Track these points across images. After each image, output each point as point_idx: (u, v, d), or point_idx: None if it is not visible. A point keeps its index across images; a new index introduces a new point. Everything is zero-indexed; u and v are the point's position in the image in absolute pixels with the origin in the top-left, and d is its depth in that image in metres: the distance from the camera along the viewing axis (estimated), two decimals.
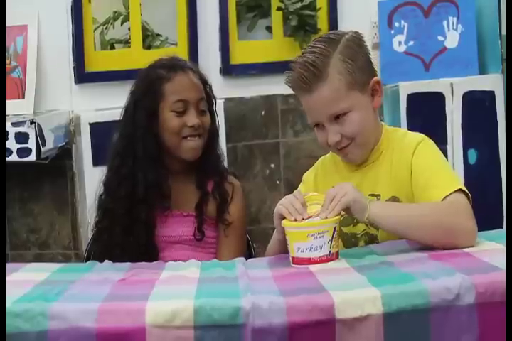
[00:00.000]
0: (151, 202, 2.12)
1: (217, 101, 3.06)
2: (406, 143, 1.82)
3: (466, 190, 1.72)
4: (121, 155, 2.15)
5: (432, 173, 1.76)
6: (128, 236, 2.11)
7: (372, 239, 1.82)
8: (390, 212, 1.67)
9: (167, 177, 2.14)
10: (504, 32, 3.07)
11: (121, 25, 3.26)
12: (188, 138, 2.13)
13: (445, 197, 1.69)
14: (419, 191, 1.75)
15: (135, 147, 2.13)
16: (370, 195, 1.83)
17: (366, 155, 1.85)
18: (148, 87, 2.14)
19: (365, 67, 1.80)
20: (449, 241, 1.63)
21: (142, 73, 2.20)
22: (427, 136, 1.87)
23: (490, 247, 1.65)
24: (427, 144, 1.82)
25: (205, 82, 2.21)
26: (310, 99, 1.78)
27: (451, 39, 3.18)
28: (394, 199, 1.80)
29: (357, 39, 1.81)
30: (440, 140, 1.88)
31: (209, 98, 2.21)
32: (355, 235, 1.85)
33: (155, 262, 1.95)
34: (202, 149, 2.15)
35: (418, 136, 1.84)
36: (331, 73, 1.74)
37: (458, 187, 1.71)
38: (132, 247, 2.08)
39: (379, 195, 1.82)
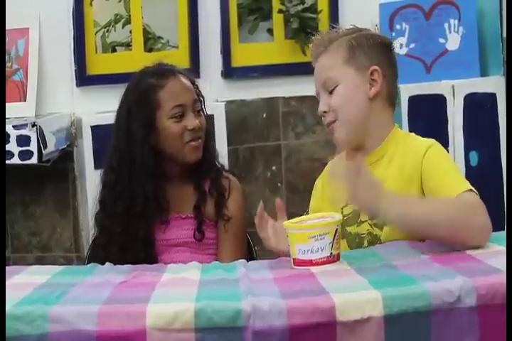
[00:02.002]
0: (149, 217, 2.11)
1: (219, 103, 3.09)
2: (416, 147, 1.85)
3: (475, 191, 1.74)
4: (115, 171, 2.12)
5: (443, 176, 1.78)
6: (125, 253, 2.09)
7: (375, 239, 1.83)
8: (402, 210, 1.64)
9: (165, 189, 2.13)
10: (505, 34, 3.07)
11: (123, 28, 3.26)
12: (191, 142, 2.12)
13: (457, 196, 1.71)
14: (431, 194, 1.77)
15: (131, 161, 2.10)
16: None
17: (352, 138, 1.87)
18: (141, 98, 2.11)
19: (372, 55, 1.86)
20: (463, 237, 1.63)
21: (131, 84, 2.17)
22: (428, 137, 1.89)
23: (491, 249, 1.65)
24: (438, 148, 1.84)
25: (193, 83, 2.20)
26: (315, 66, 1.91)
27: (453, 41, 3.18)
28: None
29: (380, 37, 1.91)
30: (441, 142, 1.88)
31: (198, 97, 2.21)
32: (359, 235, 1.86)
33: (156, 264, 1.95)
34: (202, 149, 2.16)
35: (429, 141, 1.86)
36: (334, 46, 1.88)
37: (468, 188, 1.73)
38: (130, 263, 2.05)
39: None
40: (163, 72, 2.16)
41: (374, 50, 1.87)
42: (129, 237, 2.10)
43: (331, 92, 1.86)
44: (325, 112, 1.87)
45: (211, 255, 2.16)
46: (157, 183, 2.11)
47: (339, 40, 1.88)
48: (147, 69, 2.19)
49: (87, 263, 2.22)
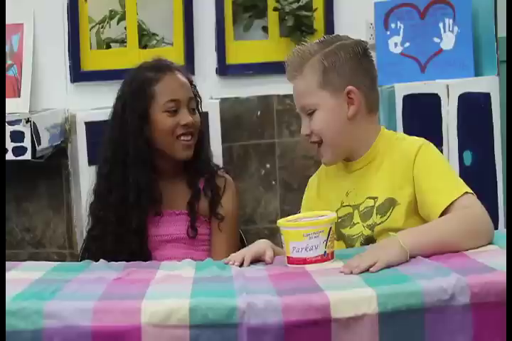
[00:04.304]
0: (143, 207, 2.11)
1: (213, 101, 3.09)
2: (406, 147, 1.84)
3: (471, 191, 1.74)
4: (110, 162, 2.14)
5: (436, 178, 1.77)
6: (120, 243, 2.10)
7: (368, 240, 1.83)
8: (422, 242, 1.64)
9: (158, 181, 2.14)
10: (500, 34, 3.08)
11: (118, 24, 3.25)
12: (182, 137, 2.13)
13: (453, 202, 1.71)
14: (424, 195, 1.77)
15: (125, 152, 2.12)
16: (367, 197, 1.85)
17: (340, 157, 1.89)
18: (137, 90, 2.13)
19: (346, 73, 1.83)
20: (476, 244, 1.65)
21: (129, 77, 2.19)
22: (422, 136, 1.89)
23: (485, 248, 1.66)
24: (429, 148, 1.84)
25: (190, 82, 2.22)
26: (293, 87, 1.90)
27: (447, 41, 3.18)
28: (390, 200, 1.81)
29: (352, 47, 1.86)
30: (436, 141, 1.88)
31: (195, 97, 2.22)
32: (351, 237, 1.86)
33: (150, 261, 1.95)
34: (193, 148, 2.16)
35: (419, 140, 1.86)
36: (306, 69, 1.85)
37: (464, 191, 1.73)
38: (124, 254, 2.06)
39: (376, 198, 1.84)
40: (160, 67, 2.18)
41: (347, 67, 1.84)
42: (122, 228, 2.11)
43: (310, 114, 1.85)
44: (307, 135, 1.87)
45: (205, 251, 2.17)
46: (150, 175, 2.12)
47: (311, 61, 1.84)
48: (145, 64, 2.21)
49: (82, 255, 2.23)
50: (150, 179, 2.12)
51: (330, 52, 1.84)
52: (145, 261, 2.03)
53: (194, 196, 2.17)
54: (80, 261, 2.23)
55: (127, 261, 1.94)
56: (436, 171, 1.79)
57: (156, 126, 2.12)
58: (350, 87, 1.83)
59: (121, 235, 2.11)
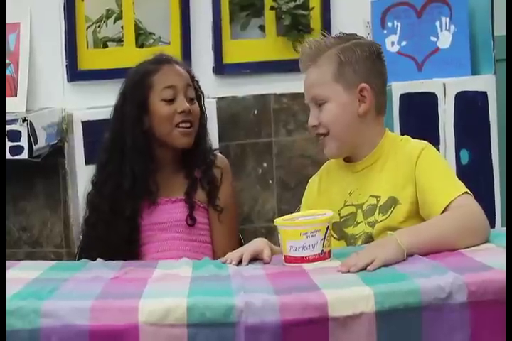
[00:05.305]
0: (137, 196, 2.13)
1: (210, 100, 3.09)
2: (409, 150, 1.86)
3: (470, 193, 1.76)
4: (108, 151, 2.18)
5: (436, 178, 1.79)
6: (110, 230, 2.12)
7: (368, 239, 1.84)
8: (420, 240, 1.64)
9: (155, 172, 2.16)
10: (496, 32, 3.08)
11: (114, 23, 3.25)
12: (180, 124, 2.15)
13: (451, 202, 1.72)
14: (424, 195, 1.78)
15: (123, 141, 2.15)
16: (371, 196, 1.86)
17: (343, 152, 1.90)
18: (137, 82, 2.18)
19: (361, 70, 1.85)
20: (473, 241, 1.66)
21: (131, 71, 2.25)
22: (419, 135, 1.91)
23: (482, 247, 1.66)
24: (431, 151, 1.86)
25: (192, 77, 2.26)
26: (305, 77, 1.90)
27: (444, 39, 3.19)
28: (392, 199, 1.83)
29: (368, 46, 1.88)
30: (432, 140, 1.90)
31: (197, 92, 2.24)
32: (354, 236, 1.87)
33: (146, 261, 1.95)
34: (194, 138, 2.18)
35: (421, 143, 1.88)
36: (322, 60, 1.85)
37: (463, 191, 1.75)
38: (114, 241, 2.09)
39: (379, 197, 1.85)
40: (160, 60, 2.24)
41: (362, 64, 1.85)
42: (115, 214, 2.13)
43: (320, 105, 1.86)
44: (314, 126, 1.88)
45: (202, 242, 2.17)
46: (147, 165, 2.14)
47: (327, 52, 1.85)
48: (147, 60, 2.26)
49: (79, 246, 2.25)
50: (147, 168, 2.15)
51: (347, 47, 1.86)
52: (136, 248, 2.06)
53: (191, 185, 2.19)
54: (78, 250, 2.27)
55: (119, 247, 1.97)
56: (437, 172, 1.81)
57: (154, 115, 2.16)
58: (363, 85, 1.84)
59: (113, 222, 2.12)
